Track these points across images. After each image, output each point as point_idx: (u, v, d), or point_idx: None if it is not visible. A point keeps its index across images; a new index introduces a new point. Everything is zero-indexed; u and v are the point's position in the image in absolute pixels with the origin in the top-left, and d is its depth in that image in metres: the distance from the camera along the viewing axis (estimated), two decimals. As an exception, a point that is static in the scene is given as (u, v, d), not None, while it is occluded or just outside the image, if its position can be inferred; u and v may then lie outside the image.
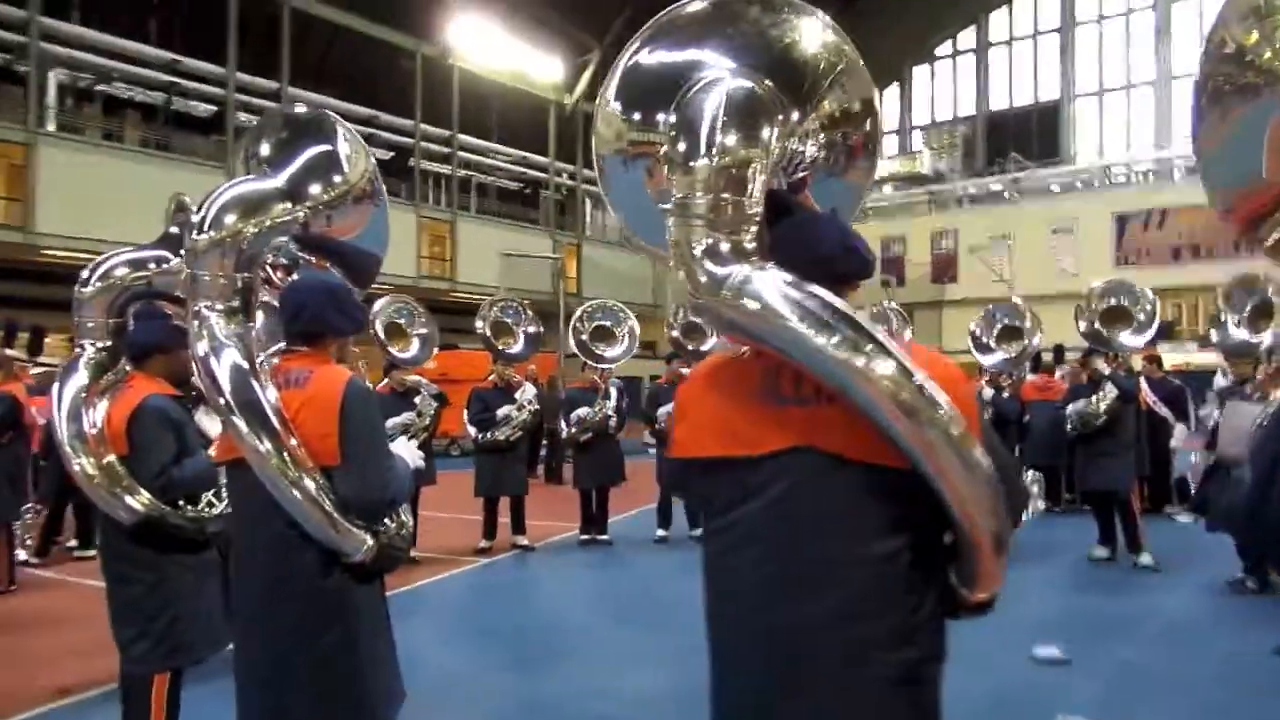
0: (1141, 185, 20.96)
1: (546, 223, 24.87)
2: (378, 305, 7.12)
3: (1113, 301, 7.38)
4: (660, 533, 7.93)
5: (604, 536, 7.86)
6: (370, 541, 2.22)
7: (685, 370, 7.92)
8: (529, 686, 4.35)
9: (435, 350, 7.61)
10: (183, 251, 3.15)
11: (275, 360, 2.36)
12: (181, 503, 3.03)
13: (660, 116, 1.82)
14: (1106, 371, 6.89)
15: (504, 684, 4.39)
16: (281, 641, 2.18)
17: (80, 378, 3.08)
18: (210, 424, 3.57)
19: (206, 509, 3.12)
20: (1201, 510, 6.35)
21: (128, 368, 3.16)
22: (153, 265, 3.19)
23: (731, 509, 1.61)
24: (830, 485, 1.53)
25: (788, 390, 1.58)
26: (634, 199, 1.98)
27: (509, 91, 23.60)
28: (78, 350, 3.19)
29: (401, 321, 7.24)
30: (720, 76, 1.73)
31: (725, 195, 1.63)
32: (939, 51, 27.98)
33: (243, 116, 18.85)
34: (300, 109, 2.79)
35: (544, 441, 12.56)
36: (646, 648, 4.95)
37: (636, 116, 1.90)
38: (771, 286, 1.54)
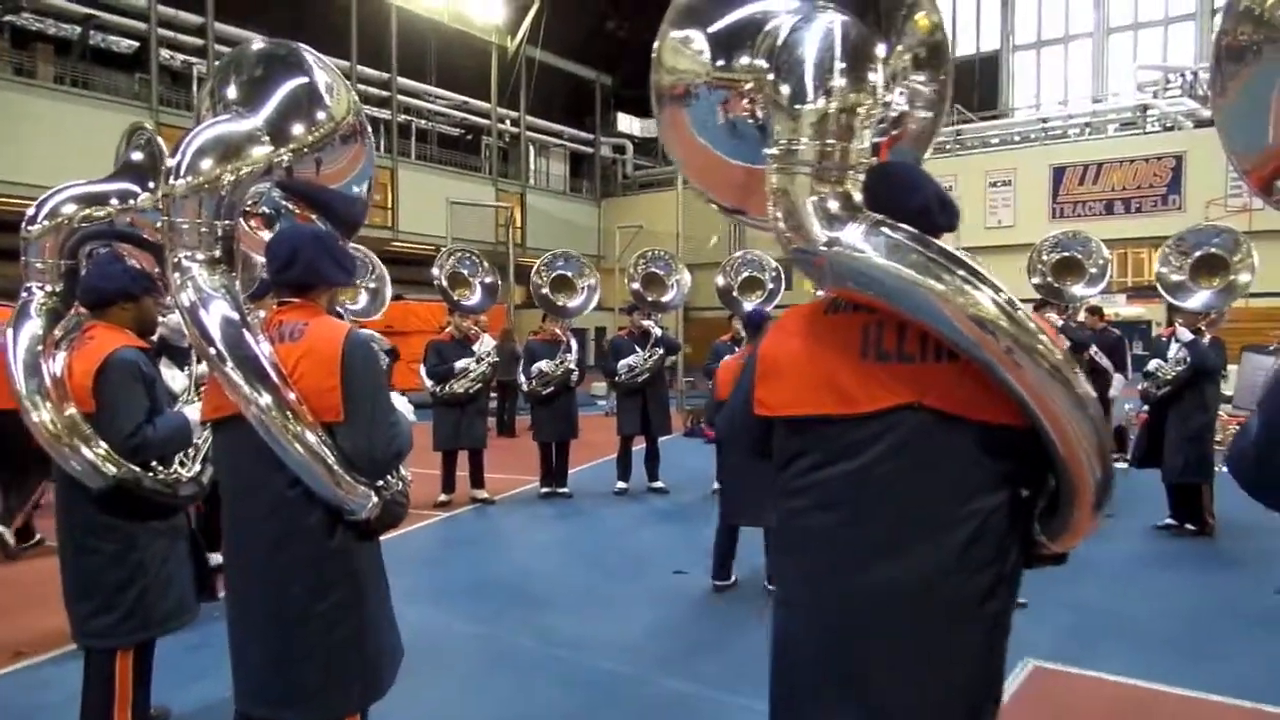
0: (1077, 139, 21.35)
1: (489, 171, 24.30)
2: None
3: (1065, 253, 7.53)
4: (620, 485, 7.94)
5: (564, 489, 7.83)
6: (375, 498, 2.14)
7: (646, 322, 7.89)
8: (502, 639, 4.34)
9: (386, 306, 7.40)
10: (150, 186, 2.95)
11: (264, 313, 2.24)
12: (154, 464, 2.86)
13: (744, 53, 1.70)
14: (1059, 323, 7.06)
15: (476, 637, 4.37)
16: (285, 603, 2.10)
17: (34, 325, 2.83)
18: (173, 379, 3.40)
19: (179, 470, 2.97)
20: (1143, 462, 6.56)
21: (80, 315, 2.91)
22: (115, 201, 2.93)
23: (823, 467, 1.59)
24: (938, 442, 1.52)
25: (890, 346, 1.56)
26: (707, 133, 1.87)
27: (448, 32, 22.79)
28: (25, 294, 2.93)
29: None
30: (810, 10, 1.62)
31: (832, 142, 1.55)
32: None
33: (166, 54, 17.85)
34: (262, 42, 2.60)
35: (494, 394, 12.42)
36: (617, 598, 4.98)
37: (713, 50, 1.77)
38: (883, 239, 1.50)
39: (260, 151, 2.28)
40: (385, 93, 21.42)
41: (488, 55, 23.70)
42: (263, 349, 2.07)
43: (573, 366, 7.62)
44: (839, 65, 1.56)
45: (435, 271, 7.68)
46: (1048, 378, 1.43)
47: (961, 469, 1.52)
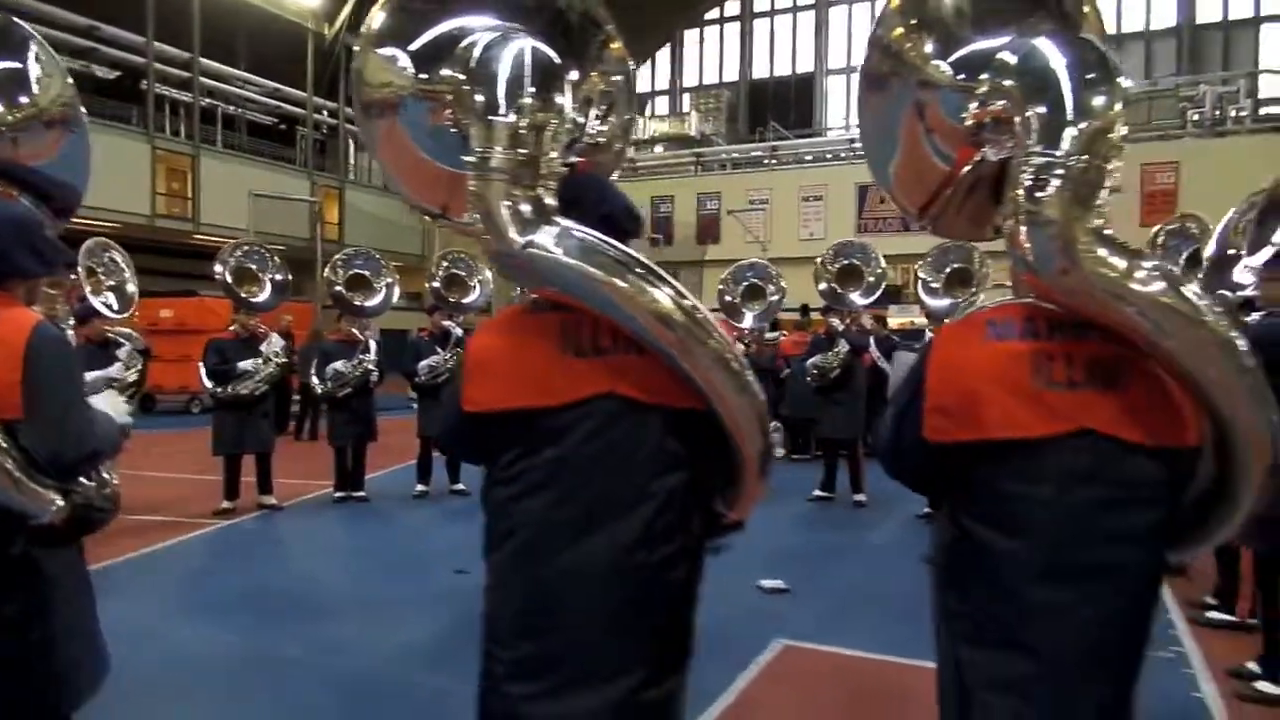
0: (879, 160, 22.96)
1: (304, 163, 23.16)
2: (83, 248, 6.25)
3: (846, 261, 8.10)
4: (420, 488, 7.82)
5: (360, 493, 7.62)
6: (60, 501, 2.01)
7: (447, 322, 7.82)
8: (267, 650, 4.18)
9: (134, 305, 6.79)
10: None
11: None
12: None
13: (443, 65, 1.88)
14: (840, 328, 7.62)
15: (249, 649, 4.19)
16: None
17: None
18: None
19: None
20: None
21: None
22: None
23: (528, 457, 1.69)
24: (628, 426, 1.67)
25: (586, 341, 1.70)
26: (410, 144, 2.02)
27: (260, 14, 21.56)
28: None
29: (98, 268, 6.38)
30: (506, 32, 1.79)
31: (524, 151, 1.68)
32: (708, 16, 28.93)
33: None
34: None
35: (297, 396, 11.89)
36: (396, 601, 4.91)
37: (416, 64, 1.93)
38: (575, 242, 1.64)
39: (-57, 125, 2.12)
40: (186, 74, 20.00)
41: (303, 42, 22.63)
42: (-70, 341, 1.91)
43: (371, 367, 7.43)
44: (528, 84, 1.71)
45: (218, 267, 7.24)
46: (715, 364, 1.65)
47: (649, 450, 1.67)
